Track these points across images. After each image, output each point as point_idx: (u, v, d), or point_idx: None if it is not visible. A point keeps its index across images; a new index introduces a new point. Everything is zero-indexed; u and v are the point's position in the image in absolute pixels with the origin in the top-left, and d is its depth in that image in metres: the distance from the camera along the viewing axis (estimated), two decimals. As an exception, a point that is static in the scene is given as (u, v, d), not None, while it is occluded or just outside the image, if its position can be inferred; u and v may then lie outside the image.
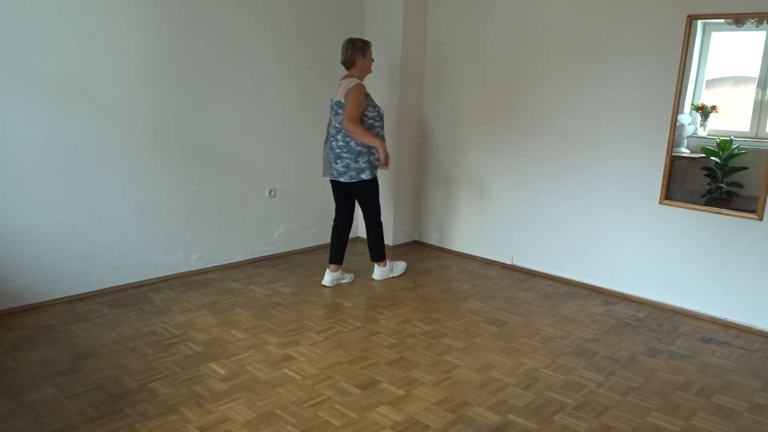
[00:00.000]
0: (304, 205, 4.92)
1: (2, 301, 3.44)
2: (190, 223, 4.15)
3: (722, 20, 3.58)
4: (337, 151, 3.85)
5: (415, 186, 5.24)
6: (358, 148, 3.82)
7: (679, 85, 3.70)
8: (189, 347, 3.15)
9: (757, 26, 3.49)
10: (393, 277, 4.32)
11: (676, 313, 3.89)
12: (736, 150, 3.70)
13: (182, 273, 4.19)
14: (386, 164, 3.88)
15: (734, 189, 3.71)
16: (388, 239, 5.15)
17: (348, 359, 3.09)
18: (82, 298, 3.72)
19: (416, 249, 5.18)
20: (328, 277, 4.14)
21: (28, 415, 2.48)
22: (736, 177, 3.71)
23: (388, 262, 4.31)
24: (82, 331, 3.29)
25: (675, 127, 3.77)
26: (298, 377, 2.88)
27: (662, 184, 3.85)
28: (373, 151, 3.87)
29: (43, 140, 3.43)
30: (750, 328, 3.66)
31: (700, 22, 3.67)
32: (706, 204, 3.77)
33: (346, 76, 3.84)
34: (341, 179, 3.90)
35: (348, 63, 3.85)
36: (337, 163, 3.87)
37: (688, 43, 3.64)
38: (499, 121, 4.63)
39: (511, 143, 4.57)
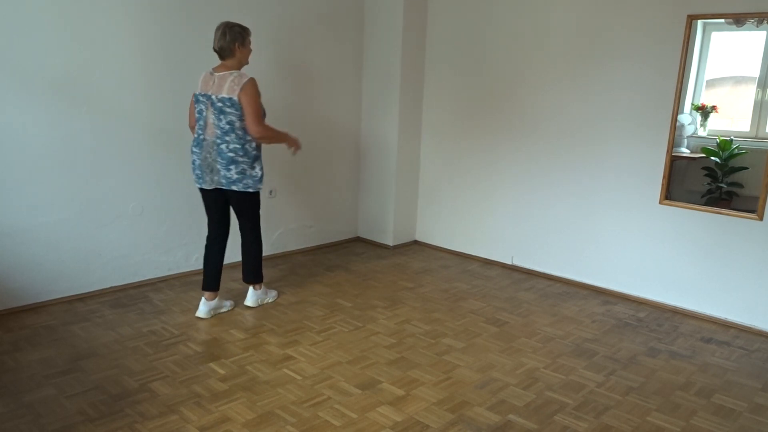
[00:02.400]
0: (304, 205, 4.92)
1: (2, 301, 3.44)
2: (190, 223, 4.14)
3: (722, 20, 3.58)
4: (230, 155, 3.30)
5: (415, 186, 5.24)
6: (254, 152, 3.37)
7: (679, 85, 3.70)
8: (189, 347, 3.15)
9: (757, 26, 3.49)
10: (267, 303, 3.78)
11: (676, 313, 3.89)
12: (736, 150, 3.70)
13: (182, 273, 4.19)
14: (298, 147, 3.57)
15: (734, 189, 3.72)
16: (388, 239, 5.15)
17: (348, 359, 3.09)
18: (82, 298, 3.72)
19: (416, 249, 5.18)
20: (204, 308, 3.53)
21: (28, 415, 2.48)
22: (736, 177, 3.71)
23: (263, 287, 3.78)
24: (82, 331, 3.29)
25: (675, 127, 3.77)
26: (298, 377, 2.88)
27: (662, 184, 3.85)
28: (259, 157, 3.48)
29: (43, 140, 3.43)
30: (750, 328, 3.66)
31: (700, 22, 3.67)
32: (706, 204, 3.77)
33: (222, 67, 3.30)
34: (234, 188, 3.35)
35: (224, 52, 3.28)
36: (230, 170, 3.31)
37: (688, 43, 3.64)
38: (499, 121, 4.63)
39: (511, 143, 4.57)
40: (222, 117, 3.26)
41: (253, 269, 3.65)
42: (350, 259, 4.79)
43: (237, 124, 3.28)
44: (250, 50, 3.40)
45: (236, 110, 3.25)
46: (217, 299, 3.57)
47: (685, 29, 3.63)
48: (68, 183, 3.56)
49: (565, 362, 3.16)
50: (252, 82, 3.26)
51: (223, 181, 3.34)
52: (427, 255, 5.01)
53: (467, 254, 4.99)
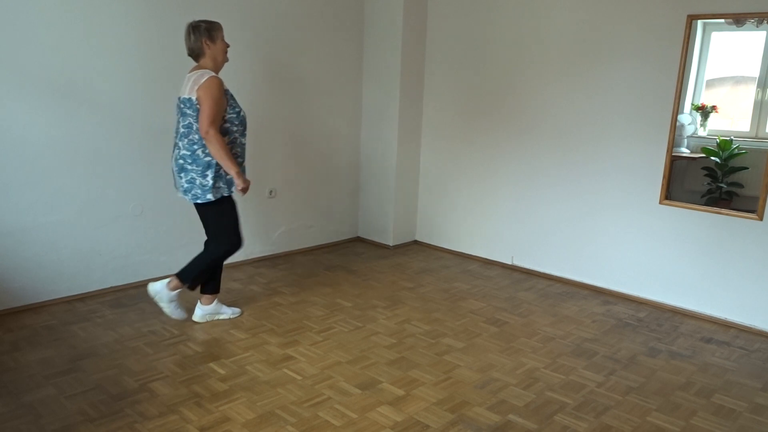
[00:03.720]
0: (304, 205, 4.92)
1: (2, 301, 3.44)
2: (190, 223, 4.14)
3: (722, 20, 3.58)
4: (180, 161, 3.09)
5: (415, 186, 5.24)
6: (207, 158, 3.07)
7: (679, 85, 3.70)
8: (189, 347, 3.15)
9: (757, 26, 3.49)
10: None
11: (676, 313, 3.89)
12: (736, 150, 3.70)
13: (182, 273, 4.18)
14: (244, 192, 3.19)
15: (734, 189, 3.71)
16: (388, 239, 5.15)
17: (348, 359, 3.09)
18: (82, 298, 3.72)
19: (416, 249, 5.18)
20: (199, 311, 3.45)
21: (28, 415, 2.48)
22: (736, 177, 3.71)
23: (178, 293, 3.31)
24: (82, 331, 3.29)
25: (675, 127, 3.77)
26: (298, 377, 2.88)
27: (662, 184, 3.85)
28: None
29: (43, 140, 3.43)
30: (750, 328, 3.66)
31: (700, 22, 3.67)
32: (706, 204, 3.77)
33: (195, 68, 3.11)
34: (186, 197, 3.15)
35: (195, 52, 3.10)
36: (180, 177, 3.11)
37: (688, 43, 3.64)
38: (498, 120, 4.63)
39: (511, 142, 4.57)
40: (181, 119, 3.10)
41: (187, 266, 3.27)
42: (350, 259, 4.79)
43: (194, 128, 3.05)
44: (225, 45, 3.16)
45: (194, 111, 3.03)
46: (215, 303, 3.46)
47: (685, 29, 3.63)
48: (68, 183, 3.56)
49: (565, 362, 3.16)
50: (213, 80, 3.00)
51: (179, 188, 3.19)
52: (427, 255, 5.01)
53: (467, 254, 4.99)
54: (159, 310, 3.57)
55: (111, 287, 3.86)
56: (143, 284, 3.98)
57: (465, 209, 4.96)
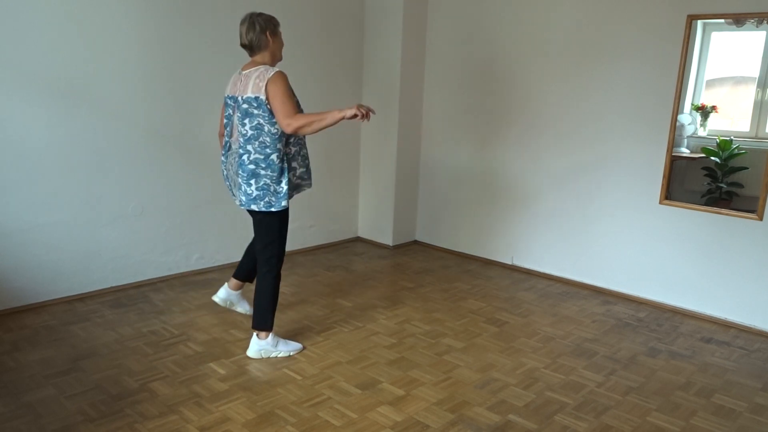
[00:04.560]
0: (304, 205, 4.92)
1: (2, 301, 3.44)
2: (190, 223, 4.14)
3: (722, 20, 3.58)
4: (251, 167, 2.86)
5: (415, 186, 5.24)
6: (281, 164, 2.88)
7: (679, 85, 3.70)
8: (189, 347, 3.15)
9: (757, 26, 3.49)
10: (276, 357, 3.09)
11: (676, 313, 3.89)
12: (736, 150, 3.70)
13: (182, 273, 4.18)
14: (368, 115, 2.84)
15: (734, 189, 3.72)
16: (388, 239, 5.15)
17: (348, 359, 3.09)
18: (82, 298, 3.72)
19: (416, 249, 5.18)
20: (222, 293, 3.40)
21: (28, 415, 2.48)
22: (736, 177, 3.71)
23: (272, 336, 3.09)
24: (82, 331, 3.29)
25: (675, 127, 3.77)
26: (298, 377, 2.88)
27: (662, 184, 3.85)
28: (294, 166, 3.00)
29: (43, 140, 3.43)
30: (750, 328, 3.66)
31: (700, 22, 3.67)
32: (706, 204, 3.77)
33: (251, 64, 2.90)
34: (253, 207, 2.92)
35: (255, 45, 2.86)
36: (250, 184, 2.88)
37: (688, 43, 3.64)
38: (498, 120, 4.63)
39: (511, 142, 4.57)
40: (247, 121, 2.83)
41: (258, 311, 3.05)
42: (350, 259, 4.79)
43: (265, 129, 2.82)
44: (282, 43, 2.98)
45: (264, 111, 2.79)
46: (239, 292, 3.41)
47: (685, 29, 3.63)
48: (68, 183, 3.56)
49: (565, 362, 3.16)
50: (280, 74, 2.79)
51: (243, 198, 2.92)
52: (427, 255, 5.01)
53: (467, 254, 4.99)
54: (159, 310, 3.58)
55: (111, 287, 3.86)
56: (143, 284, 3.98)
57: (465, 209, 4.96)
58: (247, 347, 3.14)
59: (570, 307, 3.94)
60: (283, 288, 4.07)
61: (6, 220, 3.38)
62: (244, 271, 3.36)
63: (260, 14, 2.88)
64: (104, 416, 2.49)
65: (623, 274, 4.14)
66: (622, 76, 3.95)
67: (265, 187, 2.88)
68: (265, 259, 3.04)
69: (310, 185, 3.17)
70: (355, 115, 2.79)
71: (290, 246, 4.86)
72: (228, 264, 4.42)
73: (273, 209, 2.92)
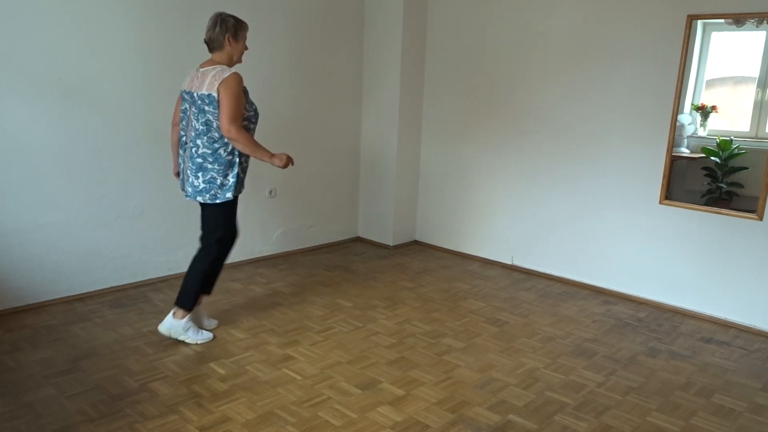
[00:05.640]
0: (304, 205, 4.92)
1: (2, 301, 3.44)
2: (190, 223, 4.14)
3: (722, 20, 3.58)
4: (199, 160, 2.97)
5: (415, 186, 5.24)
6: (229, 157, 2.99)
7: (679, 85, 3.70)
8: (189, 347, 3.15)
9: (757, 26, 3.49)
10: (180, 340, 3.16)
11: (676, 313, 3.89)
12: (736, 150, 3.70)
13: (182, 273, 4.15)
14: (288, 164, 3.06)
15: (734, 189, 3.72)
16: (388, 239, 5.15)
17: (348, 359, 3.09)
18: (82, 298, 3.72)
19: (416, 249, 5.18)
20: (164, 323, 3.19)
21: (28, 415, 2.48)
22: (736, 177, 3.71)
23: (187, 319, 3.14)
24: (82, 331, 3.29)
25: (675, 127, 3.77)
26: (298, 377, 2.88)
27: (662, 184, 3.85)
28: (242, 161, 3.07)
29: (43, 140, 3.43)
30: (750, 328, 3.66)
31: (700, 22, 3.67)
32: (706, 204, 3.77)
33: (209, 62, 3.01)
34: (198, 198, 3.02)
35: (212, 44, 2.99)
36: (198, 177, 2.99)
37: (688, 43, 3.64)
38: (497, 121, 4.63)
39: (511, 142, 4.57)
40: (200, 117, 2.96)
41: (184, 288, 3.13)
42: (350, 259, 4.79)
43: (214, 125, 2.95)
44: (245, 47, 3.11)
45: (214, 108, 2.92)
46: (186, 318, 3.18)
47: (685, 29, 3.63)
48: (68, 183, 3.56)
49: (565, 362, 3.16)
50: (235, 76, 2.91)
51: (189, 189, 3.04)
52: (427, 255, 5.01)
53: (467, 254, 4.99)
54: (159, 310, 3.57)
55: (111, 287, 3.86)
56: (143, 284, 3.98)
57: (465, 209, 4.96)
58: (247, 347, 3.15)
59: (570, 307, 3.94)
60: (284, 288, 4.07)
61: (6, 220, 3.38)
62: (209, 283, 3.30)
63: (228, 16, 3.00)
64: (104, 416, 2.49)
65: (623, 274, 4.14)
66: (622, 76, 3.95)
67: (212, 180, 3.00)
68: (205, 243, 3.16)
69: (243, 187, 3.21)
70: (284, 165, 3.04)
71: (290, 246, 4.87)
72: (227, 264, 4.41)
73: (218, 201, 3.03)
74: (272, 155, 3.01)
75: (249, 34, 4.23)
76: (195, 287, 3.13)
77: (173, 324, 3.14)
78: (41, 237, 3.51)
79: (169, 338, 3.17)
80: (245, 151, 2.98)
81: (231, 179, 3.02)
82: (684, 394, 2.88)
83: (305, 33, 4.61)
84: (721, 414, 2.72)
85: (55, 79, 3.42)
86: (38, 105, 3.38)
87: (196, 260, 3.15)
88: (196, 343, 3.18)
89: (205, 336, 3.23)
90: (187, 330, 3.16)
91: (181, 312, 3.14)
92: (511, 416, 2.62)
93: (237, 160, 3.03)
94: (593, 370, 3.08)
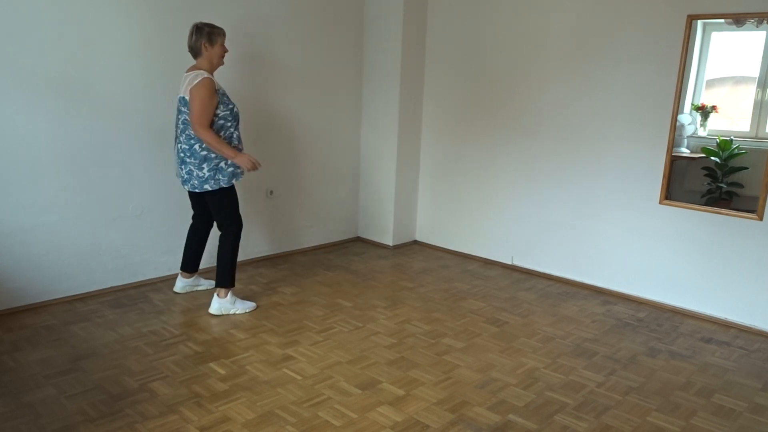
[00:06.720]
0: (304, 205, 4.92)
1: (2, 301, 3.44)
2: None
3: (722, 20, 3.58)
4: (181, 155, 3.42)
5: (415, 186, 5.24)
6: (203, 152, 3.36)
7: (679, 85, 3.70)
8: (189, 347, 3.15)
9: (757, 26, 3.49)
10: (233, 314, 3.58)
11: (676, 313, 3.89)
12: (736, 150, 3.70)
13: (182, 273, 4.18)
14: (254, 168, 3.43)
15: (734, 189, 3.71)
16: (388, 239, 5.15)
17: (348, 359, 3.09)
18: (82, 298, 3.72)
19: (416, 249, 5.18)
20: (180, 283, 3.86)
21: (28, 415, 2.48)
22: (736, 177, 3.71)
23: (231, 295, 3.60)
24: (82, 331, 3.29)
25: (675, 127, 3.77)
26: (298, 377, 2.88)
27: (662, 184, 3.85)
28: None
29: (44, 140, 3.43)
30: (750, 328, 3.66)
31: (700, 22, 3.67)
32: (706, 204, 3.77)
33: (192, 68, 3.37)
34: (186, 187, 3.49)
35: (192, 51, 3.37)
36: (181, 169, 3.45)
37: (688, 43, 3.64)
38: (498, 121, 4.63)
39: (511, 143, 4.57)
40: (180, 116, 3.40)
41: (220, 272, 3.55)
42: (350, 259, 4.79)
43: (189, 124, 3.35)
44: (224, 50, 3.41)
45: (188, 109, 3.32)
46: (194, 277, 3.88)
47: (685, 29, 3.63)
48: (68, 183, 3.56)
49: (565, 362, 3.16)
50: (205, 81, 3.25)
51: (179, 180, 3.53)
52: (427, 255, 5.01)
53: (467, 254, 4.99)
54: (159, 310, 3.58)
55: (111, 287, 3.86)
56: (143, 284, 3.98)
57: (465, 209, 4.96)
58: (247, 347, 3.15)
59: (570, 307, 3.94)
60: (284, 288, 4.07)
61: (6, 220, 3.38)
62: (192, 262, 3.83)
63: (204, 24, 3.35)
64: (104, 416, 2.49)
65: (623, 274, 4.14)
66: (622, 76, 3.95)
67: (190, 172, 3.42)
68: (223, 229, 3.57)
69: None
70: (250, 168, 3.42)
71: (290, 246, 4.88)
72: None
73: (197, 190, 3.45)
74: (236, 155, 3.36)
75: (249, 36, 4.26)
76: (227, 264, 3.54)
77: (221, 303, 3.56)
78: (41, 237, 3.51)
79: (221, 316, 3.54)
80: (212, 148, 3.34)
81: (205, 172, 3.38)
82: (684, 394, 2.88)
83: (305, 33, 4.61)
84: (721, 414, 2.72)
85: (55, 79, 3.42)
86: (38, 105, 3.38)
87: (220, 245, 3.57)
88: (245, 312, 3.60)
89: (248, 305, 3.66)
90: (234, 303, 3.59)
91: (223, 291, 3.56)
92: (511, 416, 2.62)
93: (212, 155, 3.38)
94: (593, 370, 3.08)
